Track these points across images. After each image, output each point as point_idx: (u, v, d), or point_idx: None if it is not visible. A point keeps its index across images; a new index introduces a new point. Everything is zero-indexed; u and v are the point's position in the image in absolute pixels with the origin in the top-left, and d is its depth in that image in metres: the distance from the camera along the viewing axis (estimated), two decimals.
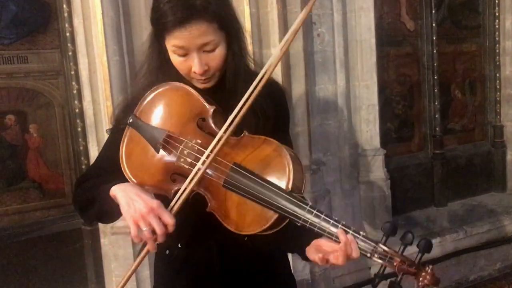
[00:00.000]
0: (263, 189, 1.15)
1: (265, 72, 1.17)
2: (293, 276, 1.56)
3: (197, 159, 1.19)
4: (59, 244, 2.74)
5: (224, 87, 1.30)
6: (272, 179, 1.17)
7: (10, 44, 2.59)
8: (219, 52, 1.24)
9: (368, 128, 3.37)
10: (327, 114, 3.14)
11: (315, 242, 1.22)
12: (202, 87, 1.29)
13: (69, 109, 2.73)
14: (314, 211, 1.13)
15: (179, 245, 1.29)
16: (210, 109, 1.23)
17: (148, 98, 1.29)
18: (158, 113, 1.27)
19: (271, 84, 1.37)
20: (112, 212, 1.22)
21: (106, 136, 2.58)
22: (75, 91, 2.68)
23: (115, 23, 2.50)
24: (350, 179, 3.31)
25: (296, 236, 1.25)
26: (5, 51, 2.59)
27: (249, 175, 1.17)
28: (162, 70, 1.32)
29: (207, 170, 1.19)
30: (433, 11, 3.87)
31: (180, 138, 1.23)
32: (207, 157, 1.17)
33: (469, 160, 4.19)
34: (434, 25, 3.88)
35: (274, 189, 1.15)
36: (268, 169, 1.18)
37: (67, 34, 2.64)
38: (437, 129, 3.98)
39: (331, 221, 1.14)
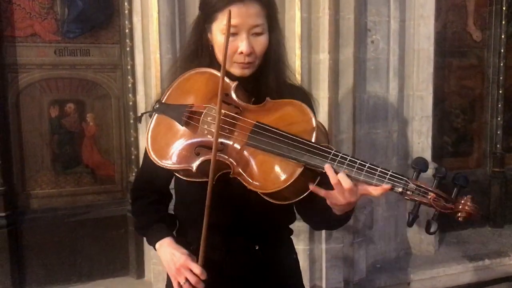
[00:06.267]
0: (287, 140, 1.17)
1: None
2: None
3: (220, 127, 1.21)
4: (106, 228, 2.90)
5: (257, 78, 1.34)
6: (296, 133, 1.19)
7: (75, 38, 2.79)
8: (264, 38, 1.30)
9: (420, 140, 3.27)
10: (376, 122, 3.07)
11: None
12: (241, 73, 1.31)
13: (124, 101, 2.89)
14: (339, 155, 1.14)
15: (191, 248, 1.33)
16: (232, 84, 1.28)
17: (174, 85, 1.34)
18: (184, 94, 1.32)
19: (297, 87, 1.45)
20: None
21: None
22: (130, 85, 2.83)
23: (170, 22, 2.61)
24: None
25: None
26: (70, 44, 2.78)
27: (272, 129, 1.20)
28: (194, 59, 1.36)
29: (230, 133, 1.23)
30: (503, 22, 3.68)
31: (205, 106, 1.27)
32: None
33: None
34: (503, 36, 3.70)
35: (299, 139, 1.17)
36: (291, 126, 1.21)
37: (127, 30, 2.79)
38: (498, 146, 3.79)
39: (356, 165, 1.13)
